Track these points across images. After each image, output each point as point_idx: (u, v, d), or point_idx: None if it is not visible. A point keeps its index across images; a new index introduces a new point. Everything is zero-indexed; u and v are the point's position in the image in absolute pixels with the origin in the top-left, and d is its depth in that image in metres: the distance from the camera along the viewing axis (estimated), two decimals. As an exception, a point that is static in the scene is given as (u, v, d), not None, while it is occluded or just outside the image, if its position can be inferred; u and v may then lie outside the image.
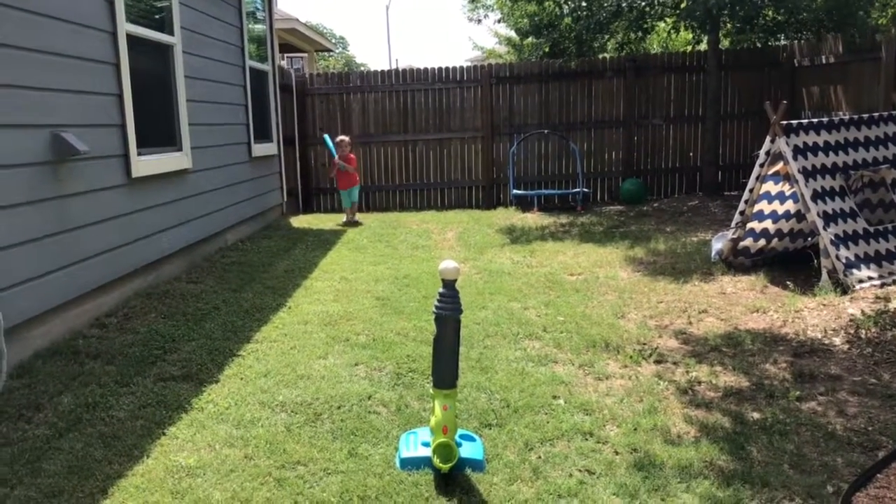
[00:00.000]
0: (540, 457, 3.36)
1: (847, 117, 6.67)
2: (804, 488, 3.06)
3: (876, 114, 6.79)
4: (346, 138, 10.88)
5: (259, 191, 9.71)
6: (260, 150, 9.66)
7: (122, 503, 2.96)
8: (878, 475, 3.15)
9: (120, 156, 5.75)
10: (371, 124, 12.26)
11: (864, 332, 4.88)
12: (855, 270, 5.87)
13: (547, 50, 12.78)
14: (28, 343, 4.53)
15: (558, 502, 2.98)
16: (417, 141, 12.27)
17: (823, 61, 10.60)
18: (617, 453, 3.40)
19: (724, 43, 12.37)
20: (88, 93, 5.33)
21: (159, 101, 6.73)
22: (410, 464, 3.24)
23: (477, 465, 3.24)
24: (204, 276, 6.89)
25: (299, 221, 11.00)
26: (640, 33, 11.47)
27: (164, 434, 3.59)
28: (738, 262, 6.82)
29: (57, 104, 4.93)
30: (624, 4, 10.99)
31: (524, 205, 11.82)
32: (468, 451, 3.29)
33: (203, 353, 4.73)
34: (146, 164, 6.12)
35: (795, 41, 11.52)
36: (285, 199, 11.21)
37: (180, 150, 6.98)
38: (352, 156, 10.92)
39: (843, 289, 5.74)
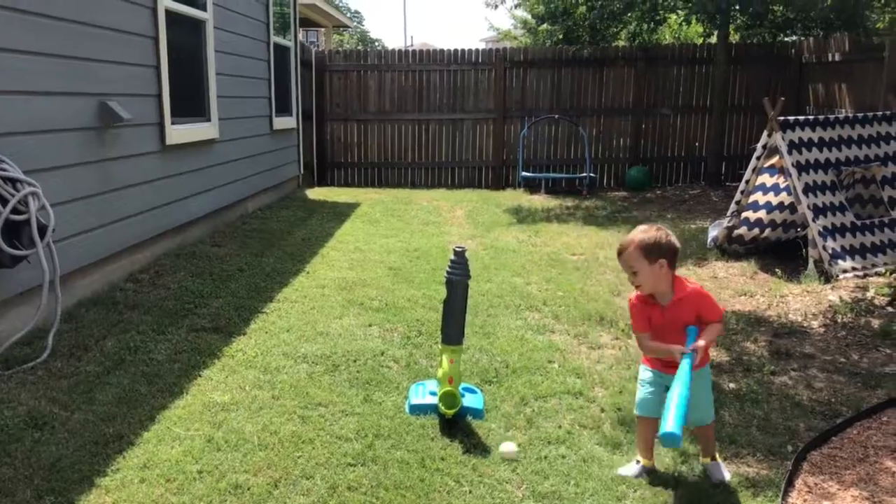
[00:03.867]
0: (534, 410, 3.77)
1: (842, 115, 7.01)
2: (766, 447, 3.46)
3: (870, 113, 7.13)
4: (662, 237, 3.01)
5: (278, 162, 10.11)
6: (280, 123, 10.05)
7: (168, 429, 3.40)
8: (833, 438, 3.55)
9: (156, 124, 6.17)
10: (387, 102, 12.61)
11: (840, 317, 5.26)
12: (840, 261, 6.24)
13: (561, 37, 13.09)
14: (74, 292, 4.96)
15: (548, 447, 3.39)
16: (431, 120, 12.62)
17: (830, 59, 10.88)
18: (603, 411, 3.81)
19: (735, 37, 12.63)
20: (131, 64, 5.74)
21: (191, 74, 7.12)
22: (418, 410, 3.66)
23: (477, 414, 3.66)
24: (227, 241, 7.32)
25: (315, 193, 11.41)
26: (652, 24, 11.77)
27: (199, 376, 4.02)
28: (731, 249, 7.19)
29: (104, 74, 5.34)
30: (638, -4, 11.28)
31: (532, 187, 12.18)
32: (470, 401, 3.71)
33: (230, 309, 5.16)
34: (179, 133, 6.54)
35: (804, 38, 11.79)
36: (302, 171, 11.61)
37: (209, 120, 7.38)
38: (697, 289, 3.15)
39: (827, 278, 6.11)
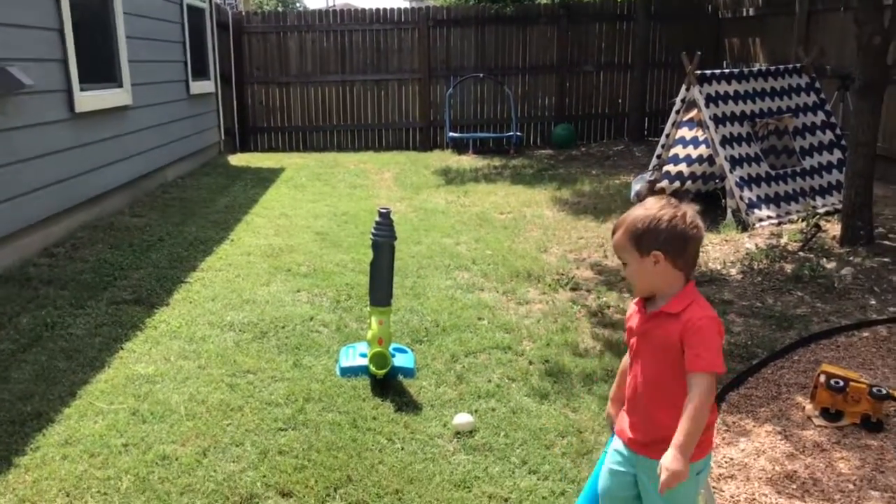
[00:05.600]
0: (464, 366, 3.81)
1: (756, 69, 7.20)
2: (688, 390, 3.59)
3: (781, 66, 7.35)
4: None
5: (197, 128, 9.81)
6: (197, 87, 9.72)
7: (90, 404, 3.30)
8: (750, 378, 3.71)
9: (63, 91, 5.89)
10: (308, 64, 12.33)
11: (756, 263, 5.47)
12: (756, 210, 6.46)
13: (484, -6, 13.00)
14: (-19, 269, 4.75)
15: (478, 401, 3.44)
16: (355, 81, 12.41)
17: (745, 14, 11.14)
18: (531, 363, 3.88)
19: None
20: (31, 27, 5.43)
21: (100, 38, 6.80)
22: (349, 372, 3.66)
23: (408, 373, 3.68)
24: (147, 211, 7.09)
25: (237, 160, 11.14)
26: (574, -20, 11.78)
27: (121, 349, 3.91)
28: (654, 202, 7.35)
29: (2, 38, 5.03)
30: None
31: (459, 147, 12.17)
32: (401, 360, 3.72)
33: (152, 280, 5.02)
34: (89, 100, 6.25)
35: (720, -7, 12.03)
36: (223, 137, 11.30)
37: (121, 86, 7.09)
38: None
39: (745, 226, 6.33)
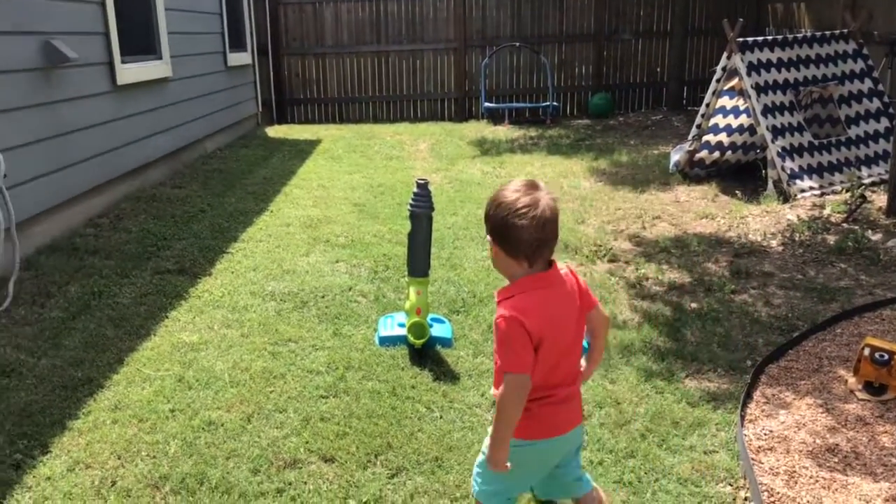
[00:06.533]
0: (501, 337, 3.83)
1: (800, 35, 7.02)
2: (727, 362, 3.57)
3: (827, 32, 7.15)
4: None
5: (235, 100, 9.88)
6: (235, 59, 9.78)
7: (137, 371, 3.40)
8: (790, 351, 3.68)
9: (105, 63, 5.98)
10: (344, 34, 12.31)
11: (798, 235, 5.38)
12: (798, 181, 6.34)
13: (520, -39, 12.78)
14: (30, 240, 4.87)
15: (516, 372, 3.46)
16: (390, 52, 12.37)
17: (789, -22, 10.82)
18: (569, 335, 3.88)
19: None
20: (73, 0, 5.50)
21: (139, 10, 6.87)
22: (388, 341, 3.71)
23: (446, 343, 3.71)
24: (187, 182, 7.21)
25: (274, 131, 11.22)
26: (611, -54, 11.53)
27: (166, 317, 4.01)
28: (693, 173, 7.26)
29: (46, 11, 5.12)
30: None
31: (495, 117, 12.08)
32: (439, 330, 3.76)
33: (194, 251, 5.12)
34: (130, 72, 6.34)
35: (764, -43, 11.69)
36: (260, 109, 11.37)
37: (161, 58, 7.17)
38: None
39: (786, 197, 6.22)
